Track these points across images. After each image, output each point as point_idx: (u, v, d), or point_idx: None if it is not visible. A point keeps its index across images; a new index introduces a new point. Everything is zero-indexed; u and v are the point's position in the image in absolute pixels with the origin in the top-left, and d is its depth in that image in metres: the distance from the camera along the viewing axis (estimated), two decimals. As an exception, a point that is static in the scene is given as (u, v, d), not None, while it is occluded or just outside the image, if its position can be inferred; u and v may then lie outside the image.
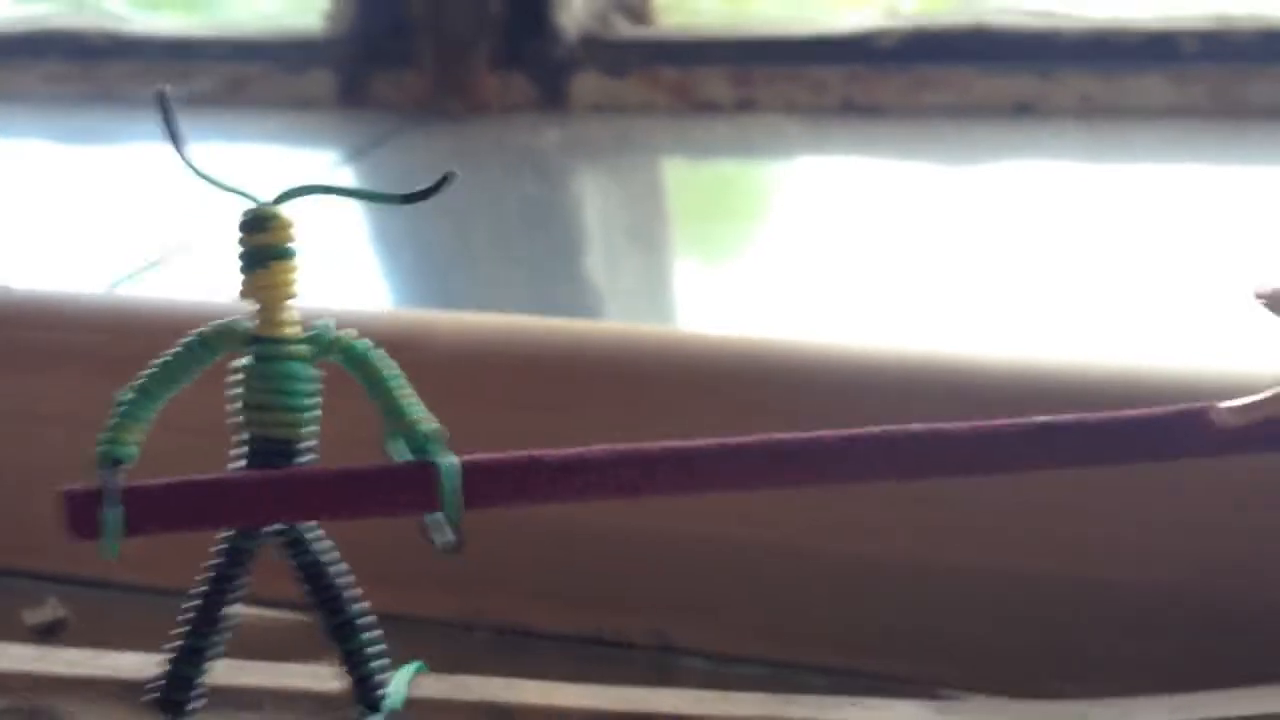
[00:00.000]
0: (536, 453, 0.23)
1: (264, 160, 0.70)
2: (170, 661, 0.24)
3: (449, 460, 0.23)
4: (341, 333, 0.24)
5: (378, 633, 0.25)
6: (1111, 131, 0.65)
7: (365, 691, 0.25)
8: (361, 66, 0.74)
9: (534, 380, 0.37)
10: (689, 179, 0.71)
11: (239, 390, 0.24)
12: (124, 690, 0.25)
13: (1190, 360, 0.32)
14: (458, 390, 0.38)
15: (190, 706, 0.24)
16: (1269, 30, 0.64)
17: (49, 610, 0.33)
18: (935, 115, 0.68)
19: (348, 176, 0.67)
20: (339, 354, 0.24)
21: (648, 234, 0.63)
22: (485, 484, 0.23)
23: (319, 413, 0.24)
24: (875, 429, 0.23)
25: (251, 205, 0.24)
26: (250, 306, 0.24)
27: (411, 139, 0.71)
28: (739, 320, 0.49)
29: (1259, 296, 0.24)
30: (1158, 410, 0.23)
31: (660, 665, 0.34)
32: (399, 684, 0.26)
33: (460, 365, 0.38)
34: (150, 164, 0.69)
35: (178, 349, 0.23)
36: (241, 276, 0.24)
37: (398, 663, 0.27)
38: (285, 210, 0.24)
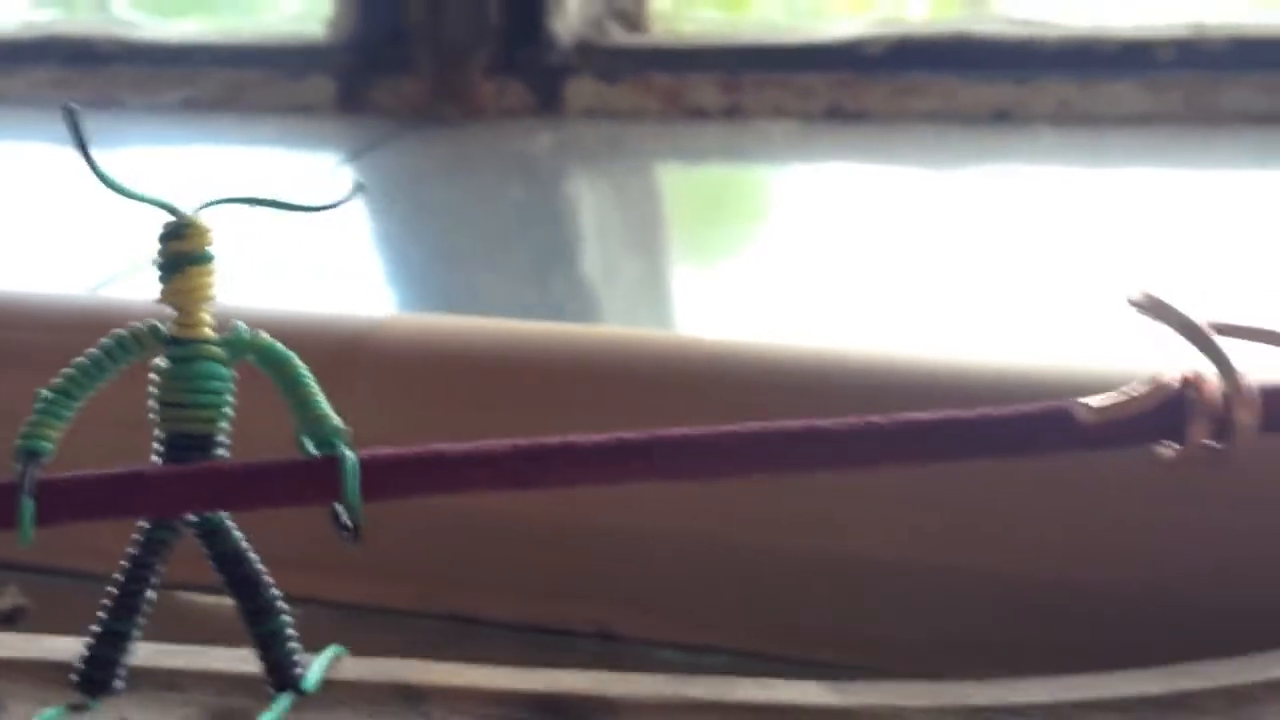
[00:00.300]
0: (435, 447, 0.25)
1: (263, 165, 0.72)
2: (92, 644, 0.26)
3: (350, 454, 0.24)
4: (256, 334, 0.25)
5: (291, 618, 0.26)
6: (1088, 137, 0.66)
7: (280, 673, 0.26)
8: (361, 73, 0.76)
9: (528, 383, 0.38)
10: (680, 183, 0.73)
11: (157, 389, 0.25)
12: (56, 671, 0.27)
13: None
14: (454, 392, 0.40)
15: (112, 686, 0.26)
16: (1242, 38, 0.65)
17: (9, 598, 0.35)
18: (919, 121, 0.69)
19: (345, 180, 0.69)
20: (254, 354, 0.25)
21: (640, 237, 0.64)
22: (384, 477, 0.25)
23: (232, 410, 0.25)
24: (754, 424, 0.24)
25: (170, 214, 0.25)
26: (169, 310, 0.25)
27: (409, 144, 0.73)
28: (732, 324, 0.51)
29: (1132, 303, 0.25)
30: (1024, 407, 0.24)
31: (601, 653, 0.36)
32: (316, 666, 0.27)
33: (456, 368, 0.39)
34: (146, 168, 0.71)
35: (97, 350, 0.25)
36: (160, 281, 0.25)
37: (350, 650, 0.29)
38: (202, 218, 0.25)
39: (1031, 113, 0.68)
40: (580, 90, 0.74)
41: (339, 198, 0.26)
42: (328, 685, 0.27)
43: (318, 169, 0.70)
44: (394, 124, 0.74)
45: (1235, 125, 0.64)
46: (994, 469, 0.29)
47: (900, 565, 0.33)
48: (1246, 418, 0.23)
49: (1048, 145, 0.66)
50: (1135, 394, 0.24)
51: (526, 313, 0.55)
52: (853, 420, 0.23)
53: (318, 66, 0.76)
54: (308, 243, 0.60)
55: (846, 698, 0.27)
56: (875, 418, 0.24)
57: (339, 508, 0.25)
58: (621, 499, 0.35)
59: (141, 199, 0.25)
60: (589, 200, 0.70)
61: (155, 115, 0.77)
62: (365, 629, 0.37)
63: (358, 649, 0.29)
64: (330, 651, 0.28)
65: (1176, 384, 0.24)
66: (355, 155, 0.71)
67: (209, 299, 0.25)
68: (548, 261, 0.60)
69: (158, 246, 0.25)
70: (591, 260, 0.61)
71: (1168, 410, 0.24)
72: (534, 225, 0.64)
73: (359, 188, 0.26)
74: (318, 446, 0.25)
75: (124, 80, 0.78)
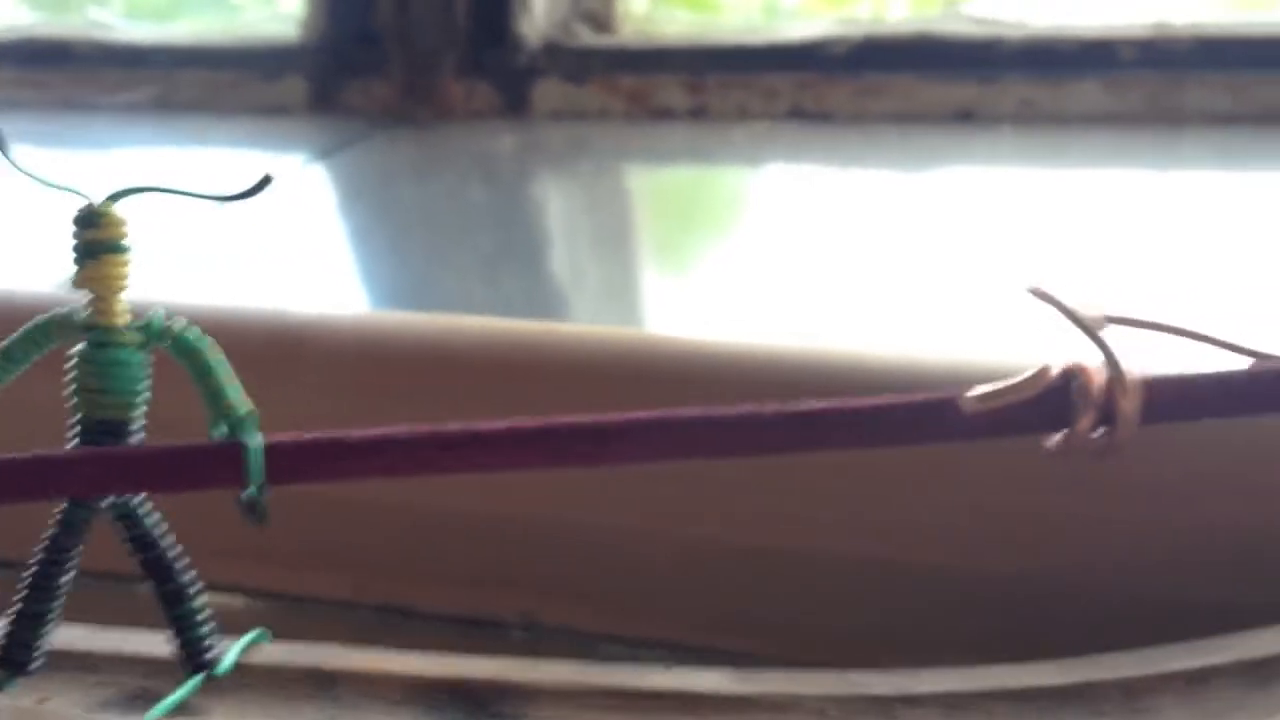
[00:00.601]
0: (339, 433, 0.25)
1: (237, 164, 0.73)
2: (10, 625, 0.26)
3: (255, 440, 0.25)
4: (170, 321, 0.26)
5: (205, 600, 0.27)
6: (1050, 137, 0.66)
7: (194, 656, 0.27)
8: (332, 74, 0.77)
9: (498, 381, 0.39)
10: (646, 184, 0.73)
11: (73, 375, 0.26)
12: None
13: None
14: (426, 389, 0.41)
15: (30, 667, 0.26)
16: (1205, 38, 0.65)
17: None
18: (882, 122, 0.70)
19: (315, 179, 0.69)
20: (168, 342, 0.26)
21: (606, 237, 0.65)
22: (289, 461, 0.25)
23: (148, 395, 0.26)
24: (646, 412, 0.25)
25: (84, 202, 0.26)
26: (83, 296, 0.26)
27: (378, 144, 0.73)
28: (695, 322, 0.51)
29: (1031, 293, 0.26)
30: (910, 397, 0.24)
31: (529, 643, 0.36)
32: (233, 650, 0.28)
33: (428, 365, 0.40)
34: (118, 169, 0.72)
35: (14, 337, 0.26)
36: (75, 269, 0.26)
37: (276, 637, 0.29)
38: (117, 208, 0.26)
39: (995, 112, 0.68)
40: (547, 92, 0.74)
41: (247, 187, 0.26)
42: (241, 669, 0.27)
43: (288, 169, 0.71)
44: (365, 124, 0.75)
45: (1197, 125, 0.65)
46: (900, 457, 0.30)
47: (821, 555, 0.34)
48: (1128, 407, 0.24)
49: (1010, 145, 0.67)
50: (1019, 383, 0.24)
51: (490, 310, 0.55)
52: (740, 409, 0.24)
53: (291, 68, 0.77)
54: (272, 239, 0.60)
55: (748, 686, 0.27)
56: (763, 406, 0.24)
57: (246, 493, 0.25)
58: (550, 489, 0.35)
59: (55, 187, 0.25)
60: (554, 200, 0.71)
61: (129, 116, 0.78)
62: (298, 618, 0.37)
63: (290, 639, 0.29)
64: (250, 636, 0.28)
65: (1061, 373, 0.24)
66: (325, 155, 0.71)
67: (123, 287, 0.26)
68: (512, 260, 0.60)
69: (72, 232, 0.26)
70: (556, 259, 0.62)
71: (1053, 400, 0.24)
72: (499, 224, 0.64)
73: (266, 180, 0.26)
74: (230, 434, 0.25)
75: (98, 81, 0.79)
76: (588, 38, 0.75)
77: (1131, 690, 0.27)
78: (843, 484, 0.33)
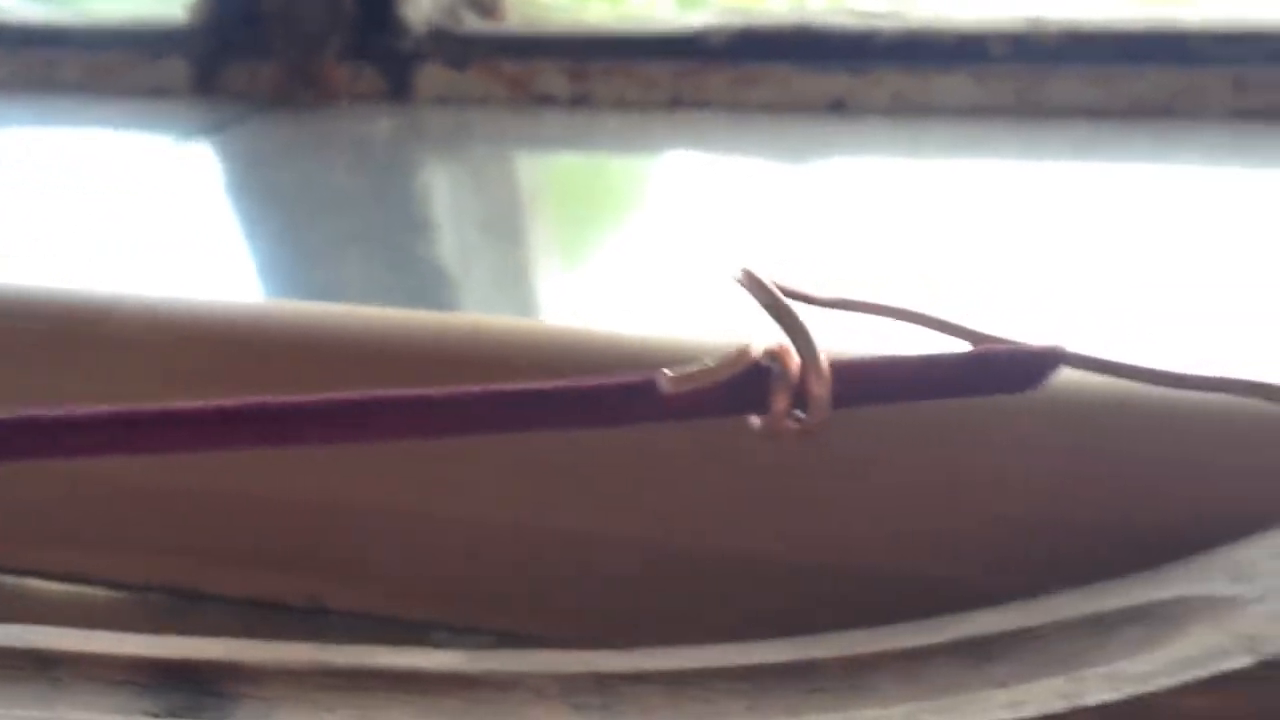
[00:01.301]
0: (55, 411, 0.25)
1: (117, 144, 0.72)
2: None
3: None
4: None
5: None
6: (920, 129, 0.67)
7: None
8: (216, 56, 0.76)
9: (378, 373, 0.38)
10: (528, 170, 0.73)
11: None
12: None
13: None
14: (304, 384, 0.40)
15: None
16: (1076, 32, 0.66)
17: None
18: (757, 111, 0.70)
19: (190, 161, 0.69)
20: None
21: (492, 224, 0.65)
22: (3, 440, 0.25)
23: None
24: (348, 393, 0.25)
25: None
26: None
27: (258, 127, 0.73)
28: (590, 311, 0.51)
29: (737, 280, 0.26)
30: (608, 378, 0.25)
31: (315, 626, 0.36)
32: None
33: (309, 357, 0.39)
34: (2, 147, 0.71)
35: None
36: None
37: (66, 622, 0.29)
38: None
39: (867, 104, 0.68)
40: (430, 77, 0.74)
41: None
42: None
43: (166, 151, 0.70)
44: (248, 107, 0.74)
45: (1063, 118, 0.65)
46: (669, 436, 0.30)
47: (601, 536, 0.34)
48: (819, 391, 0.24)
49: (881, 136, 0.67)
50: (718, 365, 0.24)
51: (369, 297, 0.55)
52: (437, 389, 0.24)
53: (175, 49, 0.77)
54: (142, 222, 0.60)
55: (475, 665, 0.28)
56: (462, 387, 0.24)
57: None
58: (336, 470, 0.35)
59: None
60: (437, 185, 0.71)
61: (9, 96, 0.78)
62: (87, 602, 0.37)
63: (82, 623, 0.29)
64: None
65: (762, 356, 0.25)
66: (201, 136, 0.71)
67: None
68: (393, 246, 0.60)
69: None
70: (438, 245, 0.62)
71: (752, 382, 0.24)
72: (380, 209, 0.64)
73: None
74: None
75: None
76: (472, 23, 0.75)
77: (852, 667, 0.27)
78: (623, 464, 0.33)
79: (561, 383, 0.24)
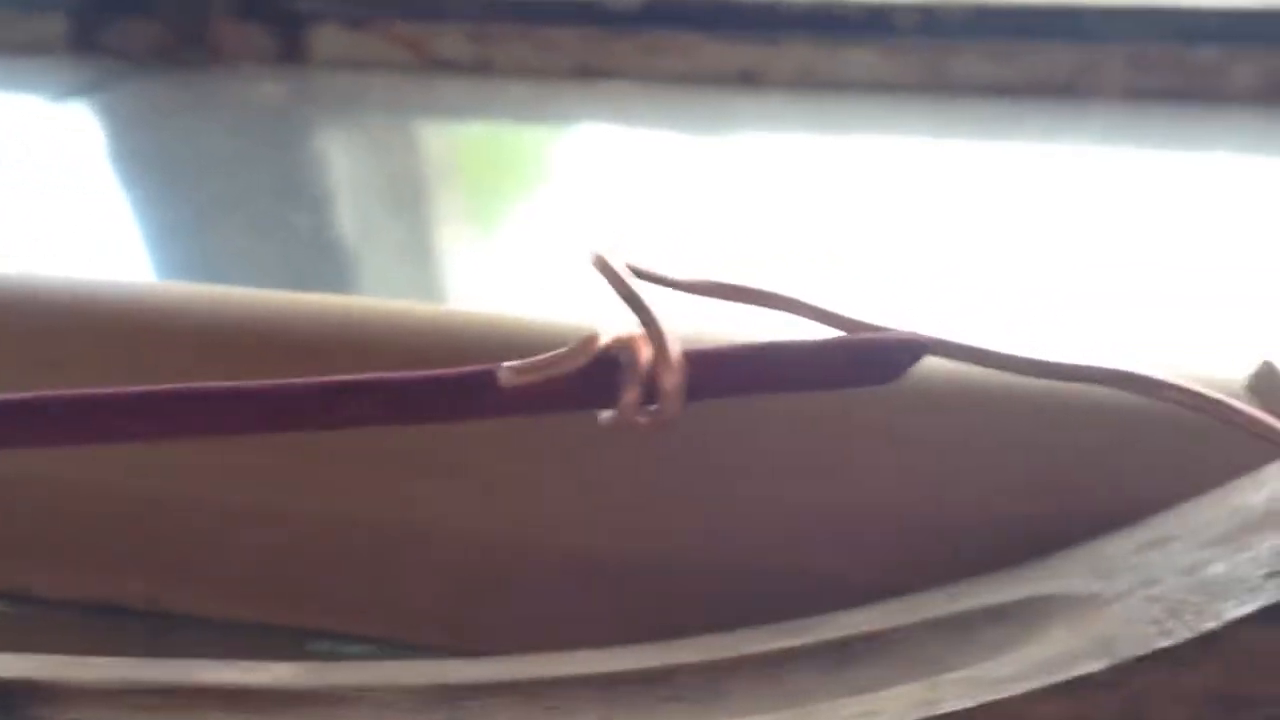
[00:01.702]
0: None
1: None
2: None
3: None
4: None
5: None
6: (827, 103, 0.66)
7: None
8: (96, 11, 0.73)
9: (244, 362, 0.35)
10: (428, 138, 0.71)
11: None
12: None
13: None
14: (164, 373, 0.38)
15: None
16: (982, 7, 0.65)
17: None
18: (666, 81, 0.69)
19: (63, 122, 0.66)
20: None
21: (388, 195, 0.63)
22: None
23: None
24: (176, 385, 0.23)
25: None
26: None
27: (138, 87, 0.70)
28: (484, 293, 0.50)
29: (592, 263, 0.25)
30: (447, 371, 0.23)
31: (154, 629, 0.34)
32: None
33: (195, 341, 0.36)
34: None
35: None
36: None
37: None
38: None
39: (775, 76, 0.67)
40: (325, 38, 0.72)
41: None
42: None
43: (39, 111, 0.67)
44: (127, 66, 0.71)
45: (967, 94, 0.64)
46: (544, 433, 0.28)
47: (459, 536, 0.32)
48: (671, 382, 0.23)
49: (788, 109, 0.66)
50: (563, 355, 0.23)
51: (257, 272, 0.53)
52: (257, 382, 0.22)
53: (52, 3, 0.73)
54: (9, 190, 0.57)
55: (314, 678, 0.26)
56: (286, 379, 0.22)
57: None
58: (176, 464, 0.33)
59: None
60: (326, 153, 0.68)
61: None
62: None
63: None
64: None
65: (608, 345, 0.23)
66: (77, 96, 0.68)
67: None
68: (282, 218, 0.58)
69: None
70: (332, 216, 0.60)
71: (600, 373, 0.23)
72: (271, 177, 0.62)
73: None
74: None
75: None
76: (371, -18, 0.73)
77: (710, 673, 0.26)
78: (479, 457, 0.32)
79: (393, 375, 0.23)
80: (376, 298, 0.39)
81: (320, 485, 0.33)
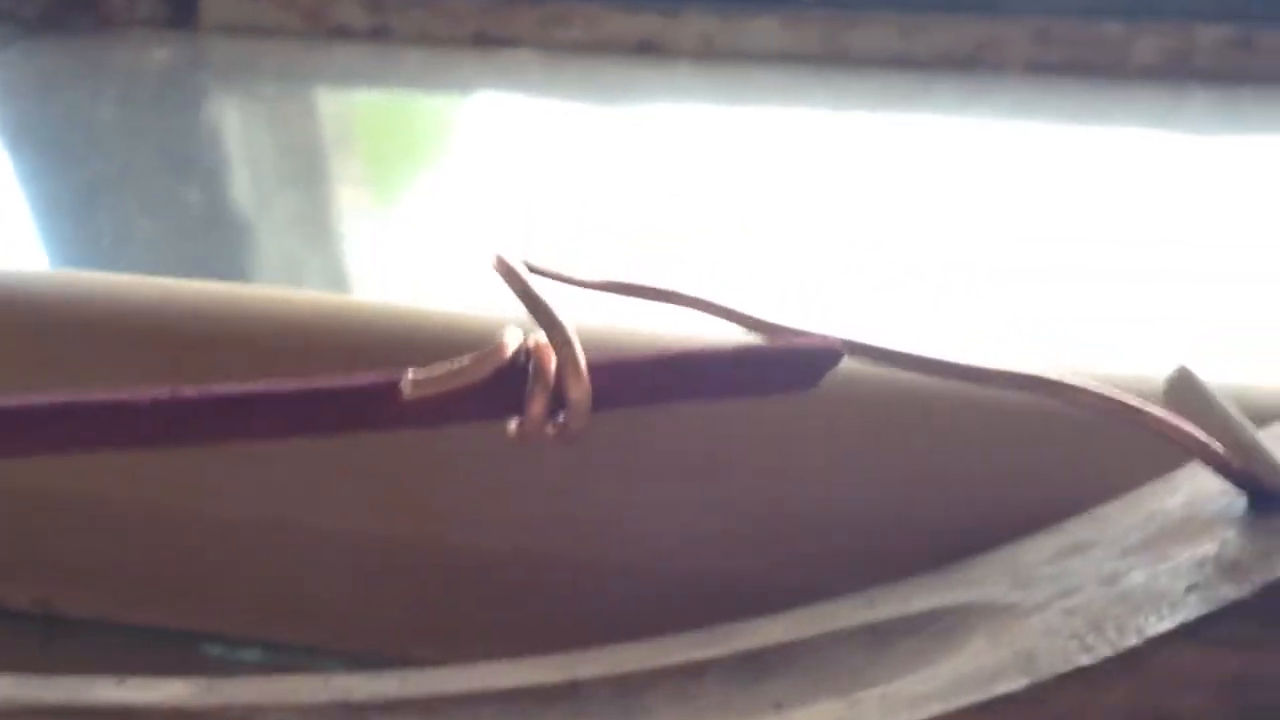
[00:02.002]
0: None
1: None
2: None
3: None
4: None
5: None
6: (728, 74, 0.65)
7: None
8: (-23, -27, 0.70)
9: (138, 354, 0.33)
10: (320, 108, 0.69)
11: None
12: None
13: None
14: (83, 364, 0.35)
15: None
16: (886, -22, 0.65)
17: None
18: (565, 50, 0.67)
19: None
20: None
21: (283, 167, 0.61)
22: None
23: None
24: (58, 396, 0.22)
25: None
26: None
27: (23, 52, 0.67)
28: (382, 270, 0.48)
29: (493, 266, 0.24)
30: (349, 382, 0.22)
31: (44, 634, 0.33)
32: None
33: (85, 332, 0.34)
34: None
35: None
36: None
37: None
38: None
39: (676, 46, 0.66)
40: (216, 4, 0.69)
41: None
42: None
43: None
44: (10, 30, 0.69)
45: (869, 66, 0.64)
46: (458, 436, 0.27)
47: (370, 538, 0.31)
48: (577, 394, 0.22)
49: (689, 80, 0.65)
50: (468, 365, 0.22)
51: (150, 253, 0.51)
52: (147, 392, 0.21)
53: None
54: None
55: (211, 697, 0.25)
56: (181, 389, 0.21)
57: None
58: (69, 461, 0.32)
59: None
60: (217, 123, 0.66)
61: None
62: None
63: None
64: None
65: (514, 354, 0.22)
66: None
67: None
68: (157, 190, 0.56)
69: None
70: (209, 187, 0.58)
71: (505, 383, 0.22)
72: (146, 148, 0.60)
73: None
74: None
75: None
76: (262, -53, 0.70)
77: (621, 687, 0.25)
78: (381, 460, 0.31)
79: (290, 386, 0.22)
80: (273, 285, 0.38)
81: (214, 486, 0.32)
